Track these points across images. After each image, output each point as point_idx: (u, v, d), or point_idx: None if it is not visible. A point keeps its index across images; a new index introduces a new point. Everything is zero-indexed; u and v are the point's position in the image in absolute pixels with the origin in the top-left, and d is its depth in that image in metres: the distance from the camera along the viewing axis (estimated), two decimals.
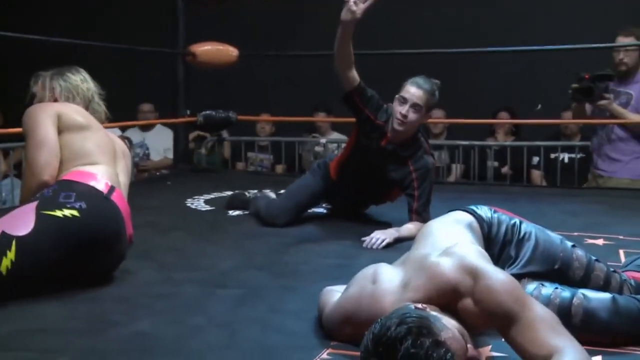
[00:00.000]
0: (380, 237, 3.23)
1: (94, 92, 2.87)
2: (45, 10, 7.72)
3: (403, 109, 3.37)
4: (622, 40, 4.59)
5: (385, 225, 3.53)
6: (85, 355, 1.88)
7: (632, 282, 2.25)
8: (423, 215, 3.42)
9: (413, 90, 3.38)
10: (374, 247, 3.20)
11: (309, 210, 3.91)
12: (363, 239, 3.26)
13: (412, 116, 3.37)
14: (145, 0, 6.34)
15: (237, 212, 3.95)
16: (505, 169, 5.77)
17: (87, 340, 2.00)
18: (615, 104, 4.53)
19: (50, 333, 2.05)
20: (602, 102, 4.49)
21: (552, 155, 5.50)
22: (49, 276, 2.35)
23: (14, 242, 2.25)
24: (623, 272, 2.34)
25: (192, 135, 6.05)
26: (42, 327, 2.10)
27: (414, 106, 3.37)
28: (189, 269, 2.79)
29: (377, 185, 3.69)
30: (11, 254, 2.23)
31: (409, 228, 3.32)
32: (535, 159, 5.64)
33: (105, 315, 2.21)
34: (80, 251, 2.38)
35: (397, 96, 3.42)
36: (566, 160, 5.41)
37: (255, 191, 4.18)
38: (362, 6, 3.25)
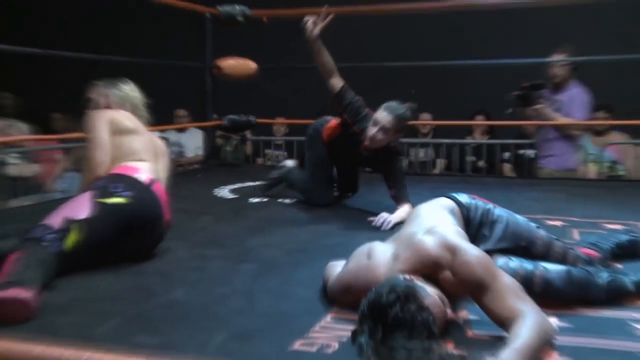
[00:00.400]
0: (387, 218, 3.19)
1: (140, 100, 2.88)
2: (97, 34, 7.72)
3: (373, 130, 3.32)
4: (556, 57, 4.66)
5: (380, 211, 3.53)
6: (131, 319, 1.89)
7: (584, 256, 2.28)
8: (404, 198, 3.40)
9: (384, 115, 3.31)
10: (383, 227, 3.13)
11: None
12: (371, 218, 3.22)
13: (380, 137, 3.32)
14: (179, 23, 6.32)
15: (257, 200, 3.92)
16: (481, 163, 5.76)
17: (132, 306, 2.01)
18: (549, 109, 4.60)
19: (102, 300, 2.06)
20: (537, 106, 4.56)
21: (520, 151, 5.49)
22: (102, 253, 2.36)
23: (75, 225, 2.25)
24: (577, 248, 2.36)
25: (218, 134, 6.05)
26: (96, 295, 2.11)
27: (383, 129, 3.30)
28: (216, 247, 2.77)
29: (354, 166, 3.80)
30: (73, 235, 2.24)
31: (403, 212, 3.28)
32: (506, 154, 5.62)
33: (148, 286, 2.21)
34: (127, 232, 2.38)
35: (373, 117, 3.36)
36: (532, 155, 5.40)
37: (280, 166, 4.12)
38: (318, 27, 3.33)
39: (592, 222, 3.19)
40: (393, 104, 3.35)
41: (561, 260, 2.19)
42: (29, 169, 5.14)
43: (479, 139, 5.93)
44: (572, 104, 4.60)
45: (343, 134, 3.59)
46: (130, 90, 2.84)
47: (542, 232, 2.26)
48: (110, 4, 6.91)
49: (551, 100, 4.66)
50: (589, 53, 4.92)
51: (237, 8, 4.85)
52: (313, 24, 3.35)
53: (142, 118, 2.84)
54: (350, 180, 3.91)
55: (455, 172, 5.65)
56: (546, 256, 2.18)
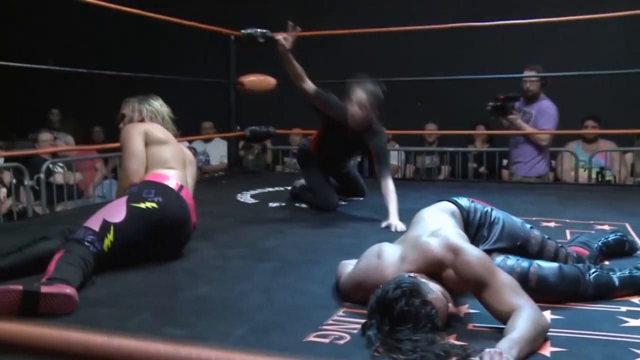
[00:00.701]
0: (399, 224, 3.11)
1: (168, 113, 2.90)
2: (135, 54, 7.79)
3: (354, 109, 3.36)
4: (527, 72, 4.69)
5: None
6: (160, 312, 1.90)
7: (574, 254, 2.26)
8: (387, 175, 3.40)
9: (361, 95, 3.35)
10: (397, 230, 3.06)
11: None
12: (384, 225, 3.13)
13: (360, 114, 3.36)
14: (207, 45, 6.35)
15: (276, 204, 3.90)
16: (482, 169, 5.73)
17: (161, 301, 2.02)
18: (520, 120, 4.61)
19: (135, 295, 2.07)
20: (511, 117, 4.56)
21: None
22: (135, 253, 2.36)
23: (112, 227, 2.27)
24: (568, 246, 2.33)
25: (241, 145, 6.07)
26: (129, 290, 2.12)
27: (362, 107, 3.34)
28: (237, 247, 2.77)
29: (349, 157, 3.86)
30: (111, 236, 2.25)
31: (394, 209, 3.24)
32: (505, 161, 5.58)
33: (175, 283, 2.21)
34: (158, 234, 2.39)
35: (348, 97, 3.40)
36: None
37: (294, 185, 4.11)
38: (289, 41, 3.38)
39: (583, 223, 3.15)
40: (367, 83, 3.39)
41: (553, 257, 2.18)
42: (72, 177, 5.18)
43: (480, 147, 5.89)
44: (541, 116, 4.62)
45: (328, 134, 3.63)
46: (159, 105, 2.85)
47: (536, 232, 2.24)
48: (146, 29, 6.95)
49: (522, 111, 4.69)
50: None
51: (258, 31, 4.86)
52: (284, 39, 3.40)
53: (171, 130, 2.85)
54: (351, 182, 3.91)
55: (458, 177, 5.61)
56: (540, 254, 2.16)
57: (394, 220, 3.14)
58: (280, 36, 3.40)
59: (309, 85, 3.50)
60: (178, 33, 6.55)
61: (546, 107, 4.63)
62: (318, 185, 3.75)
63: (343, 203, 3.92)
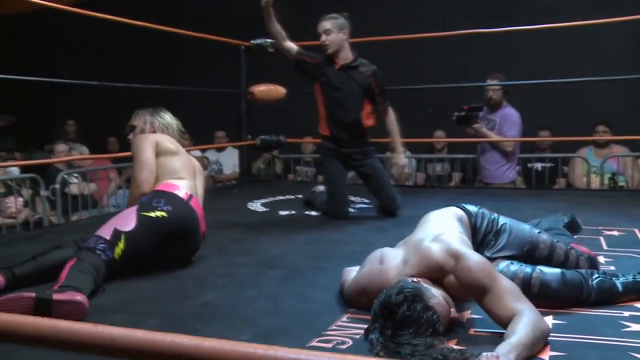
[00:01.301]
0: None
1: (177, 125, 2.96)
2: (149, 66, 7.91)
3: (321, 39, 3.61)
4: (490, 81, 4.81)
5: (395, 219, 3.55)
6: (168, 318, 1.94)
7: (585, 255, 2.27)
8: (387, 104, 3.69)
9: (321, 24, 3.63)
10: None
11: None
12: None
13: (327, 39, 3.61)
14: (218, 56, 6.44)
15: (286, 212, 3.96)
16: None
17: (170, 307, 2.06)
18: (485, 128, 4.71)
19: (144, 302, 2.12)
20: (476, 125, 4.66)
21: (529, 165, 5.45)
22: (145, 261, 2.41)
23: (123, 236, 2.32)
24: (575, 245, 2.34)
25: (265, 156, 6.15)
26: (139, 297, 2.17)
27: (325, 32, 3.59)
28: (246, 254, 2.81)
29: (353, 105, 3.69)
30: (122, 244, 2.30)
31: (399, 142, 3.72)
32: (517, 168, 5.57)
33: (184, 290, 2.25)
34: (167, 242, 2.44)
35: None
36: (539, 168, 5.35)
37: (313, 190, 4.17)
38: None
39: (592, 229, 3.15)
40: (326, 16, 3.64)
41: (564, 260, 2.19)
42: (86, 188, 5.27)
43: None
44: (505, 123, 4.73)
45: (325, 92, 3.73)
46: (170, 117, 2.91)
47: (544, 236, 2.25)
48: (160, 41, 7.07)
49: (487, 119, 4.79)
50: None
51: (268, 41, 4.93)
52: None
53: (180, 141, 2.90)
54: (375, 182, 3.80)
55: (469, 184, 5.62)
56: (550, 257, 2.18)
57: (398, 160, 3.70)
58: None
59: (291, 44, 3.71)
60: (191, 45, 6.63)
61: (509, 114, 4.77)
62: (332, 191, 3.78)
63: (352, 210, 3.95)
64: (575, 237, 2.59)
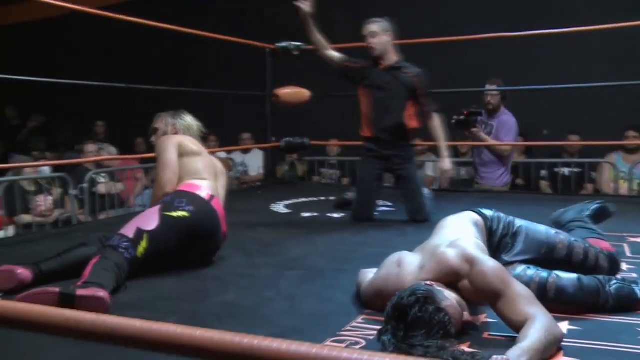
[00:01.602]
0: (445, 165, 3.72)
1: (199, 127, 3.01)
2: (179, 69, 8.05)
3: (368, 41, 3.65)
4: (489, 86, 4.84)
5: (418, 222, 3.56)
6: (188, 316, 1.98)
7: (606, 252, 2.25)
8: (432, 107, 3.71)
9: (366, 27, 3.67)
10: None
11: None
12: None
13: (373, 41, 3.65)
14: (243, 58, 6.51)
15: (308, 214, 3.99)
16: (518, 181, 5.68)
17: (190, 305, 2.11)
18: (483, 133, 4.74)
19: (165, 300, 2.17)
20: (474, 130, 4.69)
21: (555, 170, 5.40)
22: (167, 260, 2.47)
23: (145, 235, 2.38)
24: (585, 239, 2.32)
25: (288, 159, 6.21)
26: (160, 295, 2.22)
27: (371, 34, 3.63)
28: (267, 255, 2.85)
29: (397, 105, 3.70)
30: (144, 243, 2.36)
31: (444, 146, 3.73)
32: (543, 172, 5.54)
33: (204, 289, 2.30)
34: (188, 242, 2.49)
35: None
36: (566, 173, 5.30)
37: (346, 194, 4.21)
38: (308, 5, 3.59)
39: (616, 236, 3.12)
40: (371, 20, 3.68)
41: (583, 259, 2.19)
42: (115, 187, 5.38)
43: (516, 158, 5.84)
44: (502, 129, 4.76)
45: (369, 94, 3.75)
46: (190, 119, 2.97)
47: (562, 237, 2.24)
48: (189, 45, 7.18)
49: (485, 124, 4.82)
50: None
51: (292, 44, 4.99)
52: (304, 3, 3.60)
53: (201, 142, 2.96)
54: (409, 189, 3.78)
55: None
56: (569, 257, 2.18)
57: (444, 164, 3.68)
58: (299, 2, 3.59)
59: (333, 52, 3.75)
60: (218, 48, 6.72)
61: (506, 120, 4.82)
62: (360, 194, 3.82)
63: (375, 214, 3.97)
64: (600, 231, 2.51)
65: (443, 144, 3.70)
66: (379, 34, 3.63)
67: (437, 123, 3.71)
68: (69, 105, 8.74)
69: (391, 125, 3.71)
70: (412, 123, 3.74)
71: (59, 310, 0.60)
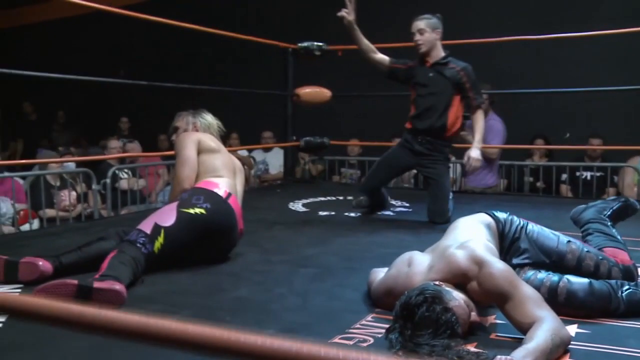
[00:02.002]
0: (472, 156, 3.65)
1: (219, 126, 3.06)
2: (203, 68, 8.14)
3: (414, 38, 3.65)
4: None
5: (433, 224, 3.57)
6: (201, 310, 2.03)
7: (621, 266, 2.18)
8: (480, 101, 3.69)
9: (414, 24, 3.67)
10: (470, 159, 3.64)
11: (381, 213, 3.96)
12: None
13: (421, 38, 3.64)
14: (265, 57, 6.58)
15: (325, 213, 4.01)
16: (539, 184, 5.65)
17: (203, 300, 2.15)
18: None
19: (179, 294, 2.22)
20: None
21: (577, 173, 5.36)
22: (183, 255, 2.51)
23: (162, 231, 2.43)
24: (604, 248, 2.28)
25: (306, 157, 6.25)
26: (175, 289, 2.27)
27: (419, 31, 3.63)
28: (282, 253, 2.88)
29: (440, 100, 3.67)
30: (161, 239, 2.41)
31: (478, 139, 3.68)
32: (564, 176, 5.49)
33: (218, 284, 2.34)
34: (205, 238, 2.53)
35: None
36: (588, 177, 5.26)
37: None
38: (351, 14, 3.67)
39: (633, 240, 3.09)
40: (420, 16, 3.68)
41: (594, 271, 2.13)
42: (137, 183, 5.47)
43: (537, 161, 5.81)
44: (489, 132, 4.80)
45: (417, 88, 3.76)
46: (210, 117, 3.02)
47: (573, 246, 2.20)
48: (212, 44, 7.27)
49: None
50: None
51: (314, 44, 5.03)
52: (346, 12, 3.66)
53: (220, 141, 3.00)
54: (432, 190, 3.76)
55: (513, 191, 5.56)
56: (578, 267, 2.14)
57: (472, 152, 3.62)
58: (341, 12, 3.66)
59: (381, 55, 3.78)
60: (240, 47, 6.79)
61: (493, 124, 4.91)
62: (374, 169, 3.91)
63: (391, 214, 3.99)
64: (619, 237, 2.43)
65: (479, 135, 3.69)
66: (427, 31, 3.64)
67: (479, 117, 3.71)
68: (90, 101, 8.91)
69: (430, 124, 3.70)
70: (454, 126, 3.73)
71: (75, 305, 0.65)
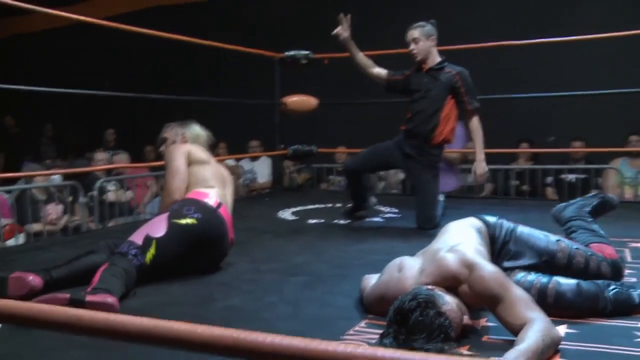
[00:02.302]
0: (479, 168, 3.67)
1: (209, 136, 3.06)
2: (191, 78, 8.13)
3: (409, 48, 3.65)
4: None
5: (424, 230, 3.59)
6: (193, 320, 1.96)
7: (609, 260, 2.24)
8: (475, 106, 3.63)
9: (408, 33, 3.67)
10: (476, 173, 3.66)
11: (368, 220, 3.98)
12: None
13: (415, 47, 3.65)
14: (252, 66, 6.59)
15: (315, 221, 4.02)
16: (525, 187, 5.70)
17: (195, 310, 2.15)
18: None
19: (172, 305, 2.22)
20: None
21: (561, 176, 5.41)
22: (174, 266, 2.51)
23: (154, 242, 2.43)
24: (589, 244, 2.34)
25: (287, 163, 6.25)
26: (167, 300, 2.27)
27: (413, 41, 3.63)
28: (271, 261, 2.88)
29: (432, 104, 3.65)
30: (153, 250, 2.40)
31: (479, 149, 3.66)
32: (549, 179, 5.55)
33: (210, 294, 2.34)
34: (197, 248, 2.53)
35: None
36: (573, 179, 5.31)
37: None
38: (345, 31, 3.69)
39: (617, 241, 3.12)
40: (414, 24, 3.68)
41: (584, 268, 2.18)
42: (124, 195, 5.45)
43: (522, 164, 5.87)
44: None
45: (414, 93, 3.76)
46: (199, 128, 3.03)
47: (563, 245, 2.24)
48: (198, 54, 7.28)
49: None
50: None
51: (301, 53, 5.05)
52: (341, 29, 3.68)
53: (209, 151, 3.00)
54: (418, 196, 3.77)
55: (500, 195, 5.61)
56: (569, 265, 2.18)
57: (477, 168, 3.63)
58: (337, 29, 3.68)
59: (378, 69, 3.79)
60: (227, 57, 6.79)
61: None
62: (361, 153, 3.94)
63: (380, 220, 4.00)
64: (602, 232, 2.50)
65: (479, 146, 3.62)
66: (421, 40, 3.64)
67: (475, 123, 3.64)
68: (76, 113, 8.87)
69: (419, 127, 3.70)
70: (446, 131, 3.68)
71: (72, 310, 0.65)
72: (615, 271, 2.24)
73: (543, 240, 2.27)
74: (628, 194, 5.00)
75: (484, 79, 6.24)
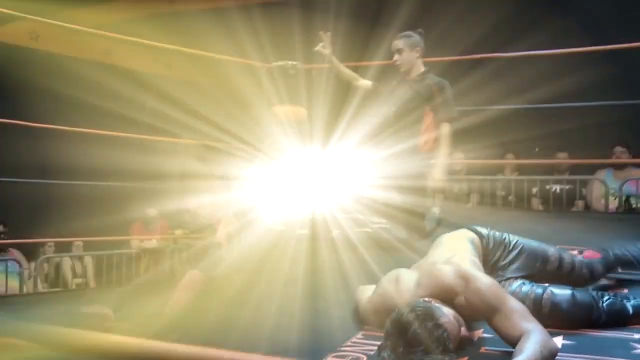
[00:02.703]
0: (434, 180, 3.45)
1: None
2: None
3: (394, 58, 3.58)
4: None
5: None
6: (191, 331, 2.01)
7: (586, 261, 2.40)
8: (443, 116, 3.47)
9: (393, 43, 3.59)
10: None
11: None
12: None
13: (399, 58, 3.57)
14: (240, 76, 6.56)
15: (306, 231, 3.97)
16: (510, 197, 5.73)
17: (192, 322, 2.15)
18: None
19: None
20: None
21: (547, 187, 5.46)
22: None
23: None
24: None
25: None
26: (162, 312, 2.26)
27: (397, 51, 3.56)
28: (268, 273, 2.83)
29: (410, 119, 3.59)
30: None
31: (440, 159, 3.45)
32: (534, 189, 5.59)
33: (206, 306, 2.35)
34: None
35: None
36: (557, 190, 5.37)
37: None
38: (327, 48, 3.68)
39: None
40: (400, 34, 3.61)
41: (570, 269, 2.31)
42: None
43: (508, 175, 5.90)
44: None
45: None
46: None
47: (552, 249, 2.34)
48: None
49: None
50: None
51: (289, 63, 5.05)
52: (322, 47, 3.68)
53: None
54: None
55: (486, 205, 5.63)
56: (560, 268, 2.28)
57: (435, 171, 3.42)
58: (317, 47, 3.68)
59: (363, 81, 3.75)
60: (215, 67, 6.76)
61: None
62: None
63: (370, 231, 3.99)
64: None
65: (442, 153, 3.51)
66: (405, 51, 3.59)
67: (443, 133, 3.53)
68: None
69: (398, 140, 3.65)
70: (428, 140, 3.60)
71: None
72: (591, 270, 2.39)
73: (536, 247, 2.33)
74: (613, 205, 5.05)
75: (470, 87, 6.31)
